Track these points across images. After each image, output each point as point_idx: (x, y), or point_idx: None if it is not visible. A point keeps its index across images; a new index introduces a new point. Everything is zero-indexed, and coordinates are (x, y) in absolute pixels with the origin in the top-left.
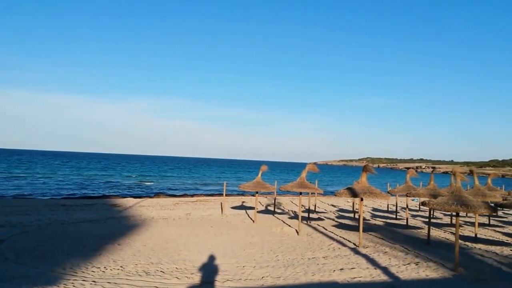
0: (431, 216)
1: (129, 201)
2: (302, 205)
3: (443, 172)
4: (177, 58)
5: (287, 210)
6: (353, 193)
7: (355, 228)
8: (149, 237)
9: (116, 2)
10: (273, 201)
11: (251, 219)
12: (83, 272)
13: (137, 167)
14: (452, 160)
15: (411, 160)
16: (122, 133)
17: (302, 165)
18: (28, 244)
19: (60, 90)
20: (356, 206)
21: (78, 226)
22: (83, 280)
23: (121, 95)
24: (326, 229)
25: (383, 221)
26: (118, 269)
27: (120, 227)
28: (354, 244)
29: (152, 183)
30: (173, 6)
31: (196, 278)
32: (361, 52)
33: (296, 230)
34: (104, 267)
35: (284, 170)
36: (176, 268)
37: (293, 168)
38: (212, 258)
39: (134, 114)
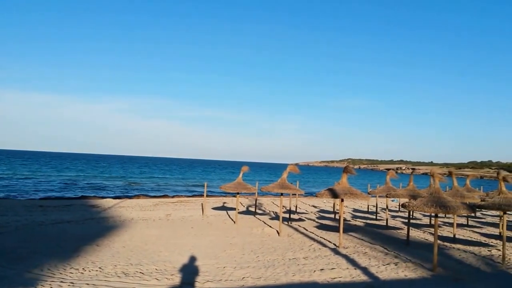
0: (411, 216)
1: (108, 202)
2: (283, 206)
3: (423, 173)
4: (157, 57)
5: (268, 211)
6: (334, 194)
7: (335, 229)
8: (128, 238)
9: (99, 1)
10: (254, 202)
11: (232, 220)
12: (61, 273)
13: (117, 168)
14: (431, 162)
15: (392, 162)
16: (102, 133)
17: (283, 166)
18: (4, 245)
19: (41, 89)
20: (337, 207)
21: (56, 227)
22: (61, 282)
23: (100, 94)
24: (307, 230)
25: (364, 222)
26: (97, 270)
27: (99, 228)
28: (335, 245)
29: (133, 184)
30: (156, 6)
31: (176, 279)
32: (342, 53)
33: (277, 231)
34: (83, 269)
35: (266, 171)
36: (156, 269)
37: (275, 169)
38: (192, 259)
39: (114, 114)
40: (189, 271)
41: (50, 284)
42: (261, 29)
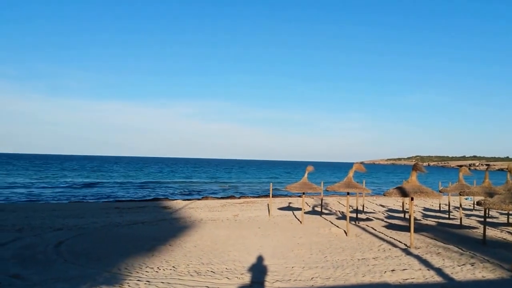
0: (487, 215)
1: (179, 203)
2: (350, 206)
3: (498, 169)
4: (216, 60)
5: (334, 211)
6: (403, 193)
7: (405, 229)
8: (199, 238)
9: (152, 8)
10: (320, 202)
11: (298, 220)
12: (137, 272)
13: (184, 170)
14: (507, 157)
15: (464, 158)
16: (169, 137)
17: (348, 165)
18: (84, 246)
19: (108, 97)
20: (406, 206)
21: (131, 228)
22: (138, 280)
23: (165, 99)
24: (375, 230)
25: (435, 221)
26: (171, 269)
27: (171, 228)
28: (405, 245)
29: (200, 185)
30: (209, 10)
31: (246, 279)
32: (405, 49)
33: (345, 231)
34: (157, 268)
35: (331, 171)
36: (226, 268)
37: (340, 168)
38: (261, 258)
39: (179, 118)
40: (258, 271)
41: (128, 283)
42: (318, 28)
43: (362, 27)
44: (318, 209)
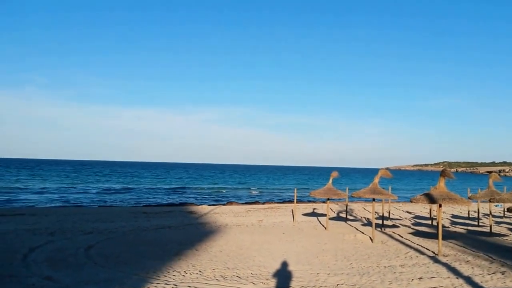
0: None
1: (204, 208)
2: (376, 212)
3: None
4: (236, 67)
5: (359, 217)
6: (431, 199)
7: (433, 236)
8: (224, 243)
9: (176, 14)
10: (345, 208)
11: (323, 226)
12: (165, 276)
13: (208, 176)
14: None
15: (493, 164)
16: (194, 143)
17: (373, 171)
18: (113, 249)
19: (130, 103)
20: (434, 213)
21: (158, 232)
22: (166, 284)
23: (189, 107)
24: (402, 237)
25: (464, 228)
26: (197, 273)
27: (197, 233)
28: (433, 253)
29: (224, 191)
30: (232, 17)
31: (271, 284)
32: (431, 54)
33: (370, 238)
34: (184, 272)
35: (355, 176)
36: (252, 273)
37: (364, 174)
38: (285, 264)
39: (203, 124)
40: (283, 276)
41: (155, 286)
42: (340, 33)
43: (385, 31)
44: (343, 215)
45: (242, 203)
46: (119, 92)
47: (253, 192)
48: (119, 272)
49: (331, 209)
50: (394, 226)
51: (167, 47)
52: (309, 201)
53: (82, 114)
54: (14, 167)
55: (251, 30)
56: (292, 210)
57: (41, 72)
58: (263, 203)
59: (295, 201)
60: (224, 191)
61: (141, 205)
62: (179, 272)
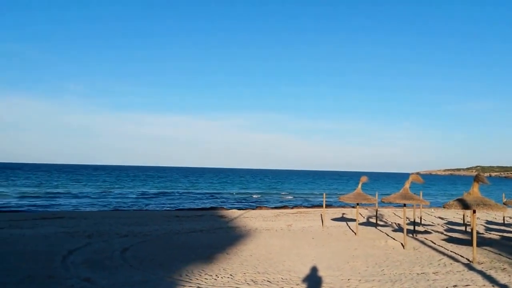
0: None
1: (234, 213)
2: (407, 218)
3: None
4: (262, 73)
5: (390, 223)
6: (465, 205)
7: (467, 242)
8: (254, 247)
9: (198, 20)
10: (375, 213)
11: (352, 231)
12: (197, 279)
13: (239, 181)
14: None
15: None
16: (223, 149)
17: (402, 176)
18: (148, 252)
19: (162, 110)
20: (467, 219)
21: (190, 235)
22: (198, 287)
23: (218, 113)
24: (434, 243)
25: (499, 235)
26: (228, 277)
27: (227, 237)
28: (467, 260)
29: (254, 195)
30: (259, 25)
31: None
32: (462, 58)
33: (402, 244)
34: (216, 275)
35: (385, 181)
36: (282, 278)
37: (394, 179)
38: (315, 269)
39: (233, 130)
40: (313, 282)
41: None
42: (365, 38)
43: (413, 37)
44: (373, 220)
45: (271, 208)
46: (152, 100)
47: (283, 196)
48: (153, 275)
49: (361, 214)
50: (426, 232)
51: (196, 55)
52: (338, 206)
53: (115, 121)
54: (55, 172)
55: (278, 37)
56: (321, 214)
57: (77, 80)
58: (292, 208)
59: (324, 205)
60: (253, 195)
61: (174, 209)
62: (211, 275)
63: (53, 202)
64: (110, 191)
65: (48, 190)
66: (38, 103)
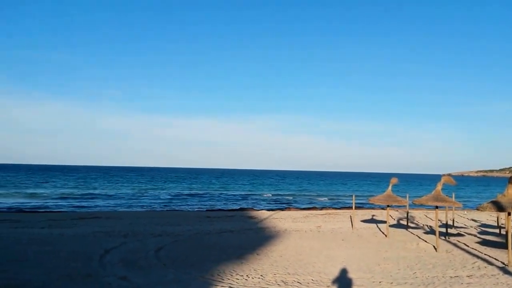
0: None
1: (264, 214)
2: (439, 220)
3: None
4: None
5: (421, 225)
6: (499, 207)
7: (502, 245)
8: (284, 248)
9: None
10: (406, 215)
11: (383, 233)
12: (228, 279)
13: (269, 182)
14: None
15: None
16: (254, 151)
17: (433, 177)
18: (180, 252)
19: (195, 114)
20: (501, 221)
21: (221, 236)
22: (229, 287)
23: (251, 115)
24: (468, 246)
25: None
26: (259, 277)
27: (257, 238)
28: (502, 263)
29: (284, 196)
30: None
31: None
32: (493, 58)
33: (434, 246)
34: (247, 275)
35: (415, 182)
36: (312, 279)
37: (424, 180)
38: (346, 271)
39: (262, 132)
40: (344, 284)
41: None
42: (397, 40)
43: (444, 38)
44: (403, 222)
45: (300, 209)
46: (185, 103)
47: (315, 198)
48: (185, 274)
49: (391, 216)
50: (459, 234)
51: (230, 57)
52: (367, 208)
53: (148, 124)
54: (92, 173)
55: (313, 39)
56: (350, 216)
57: (114, 85)
58: (321, 209)
59: (353, 207)
60: (284, 197)
61: (205, 209)
62: (242, 275)
63: (90, 203)
64: (144, 192)
65: (86, 192)
66: (77, 108)
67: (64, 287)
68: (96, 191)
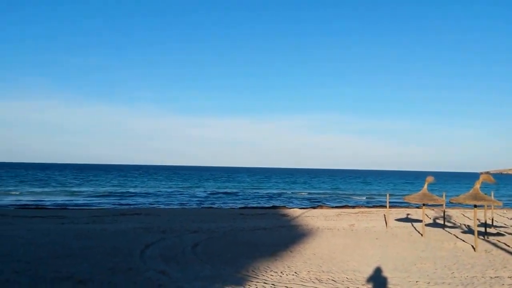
0: None
1: (296, 212)
2: (477, 219)
3: None
4: (330, 74)
5: (458, 224)
6: None
7: None
8: (317, 246)
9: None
10: (442, 214)
11: (418, 232)
12: (263, 275)
13: (301, 180)
14: None
15: None
16: (284, 149)
17: (470, 175)
18: (215, 248)
19: (225, 114)
20: None
21: (254, 233)
22: (264, 283)
23: (275, 114)
24: (508, 246)
25: None
26: (293, 274)
27: (290, 235)
28: None
29: (316, 195)
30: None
31: None
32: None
33: (472, 246)
34: (281, 272)
35: (451, 181)
36: (347, 278)
37: (461, 178)
38: (381, 270)
39: (292, 131)
40: (379, 283)
41: (255, 285)
42: (426, 39)
43: (475, 35)
44: (440, 221)
45: (332, 207)
46: (215, 103)
47: (349, 196)
48: (221, 270)
49: (427, 215)
50: (498, 234)
51: (261, 59)
52: (401, 207)
53: (183, 124)
54: (133, 172)
55: (339, 40)
56: (384, 215)
57: (148, 88)
58: (353, 207)
59: (387, 205)
60: (317, 195)
61: (238, 207)
62: (276, 272)
63: (130, 200)
64: (181, 190)
65: (126, 190)
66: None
67: (107, 280)
68: (137, 190)
